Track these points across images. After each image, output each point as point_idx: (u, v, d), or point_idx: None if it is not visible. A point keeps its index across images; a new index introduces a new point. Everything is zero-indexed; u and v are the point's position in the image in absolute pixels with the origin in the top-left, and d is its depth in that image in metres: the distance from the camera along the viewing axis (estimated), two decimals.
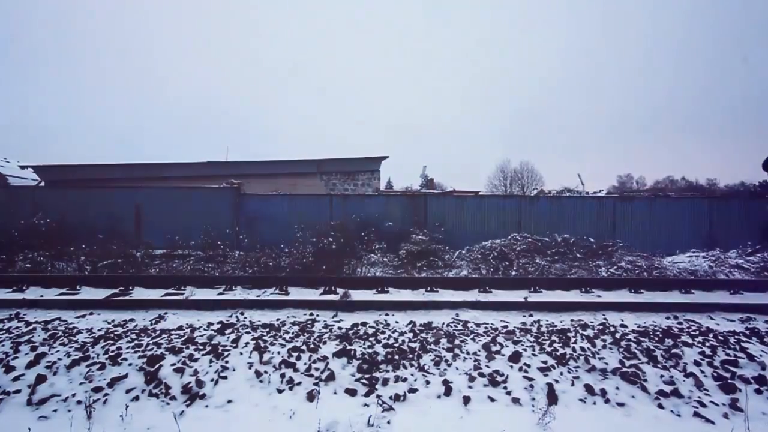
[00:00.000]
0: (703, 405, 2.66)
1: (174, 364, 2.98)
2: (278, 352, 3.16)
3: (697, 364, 3.07)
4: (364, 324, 3.79)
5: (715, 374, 2.95)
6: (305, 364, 3.04)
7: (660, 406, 2.67)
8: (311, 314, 4.20)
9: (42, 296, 5.21)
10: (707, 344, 3.36)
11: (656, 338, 3.47)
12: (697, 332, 3.65)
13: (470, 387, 2.80)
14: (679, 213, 11.30)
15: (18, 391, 2.75)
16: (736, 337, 3.54)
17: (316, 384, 2.83)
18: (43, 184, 14.58)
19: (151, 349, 3.19)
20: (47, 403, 2.66)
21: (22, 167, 16.65)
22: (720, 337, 3.50)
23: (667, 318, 4.19)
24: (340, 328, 3.67)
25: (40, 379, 2.83)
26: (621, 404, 2.67)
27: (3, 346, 3.28)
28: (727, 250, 9.53)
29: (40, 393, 2.73)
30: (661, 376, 2.93)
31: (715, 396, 2.75)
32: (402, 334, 3.55)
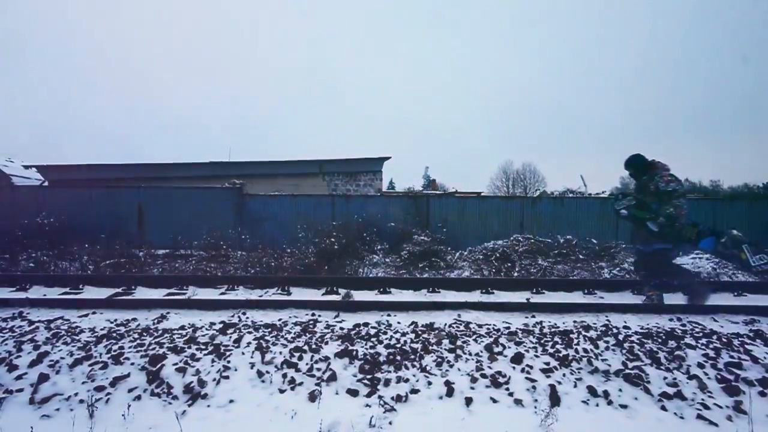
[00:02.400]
0: (707, 407, 2.64)
1: (176, 364, 2.98)
2: (280, 352, 3.16)
3: (700, 366, 3.05)
4: (366, 324, 3.79)
5: (718, 376, 2.93)
6: (307, 364, 3.03)
7: (663, 408, 2.65)
8: (313, 314, 4.20)
9: (45, 295, 5.23)
10: (711, 346, 3.34)
11: (659, 340, 3.45)
12: (701, 334, 3.63)
13: (472, 388, 2.79)
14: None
15: (21, 390, 2.75)
16: (740, 339, 3.52)
17: (317, 384, 2.83)
18: (46, 183, 14.65)
19: (154, 349, 3.19)
20: (50, 402, 2.66)
21: (26, 167, 16.74)
22: (724, 339, 3.48)
23: (671, 320, 4.17)
24: (342, 329, 3.67)
25: (43, 378, 2.84)
26: (624, 406, 2.66)
27: (6, 344, 3.30)
28: None
29: (43, 392, 2.73)
30: (665, 378, 2.91)
31: (719, 398, 2.73)
32: (404, 334, 3.54)
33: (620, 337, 3.52)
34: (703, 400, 2.70)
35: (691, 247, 4.94)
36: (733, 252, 4.62)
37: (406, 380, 2.87)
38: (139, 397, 2.71)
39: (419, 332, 3.59)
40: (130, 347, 3.24)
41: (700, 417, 2.56)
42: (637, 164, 4.95)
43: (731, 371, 2.99)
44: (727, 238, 4.61)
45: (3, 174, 19.46)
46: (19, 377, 2.87)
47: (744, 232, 10.78)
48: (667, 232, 4.68)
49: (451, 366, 3.03)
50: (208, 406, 2.64)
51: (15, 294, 5.36)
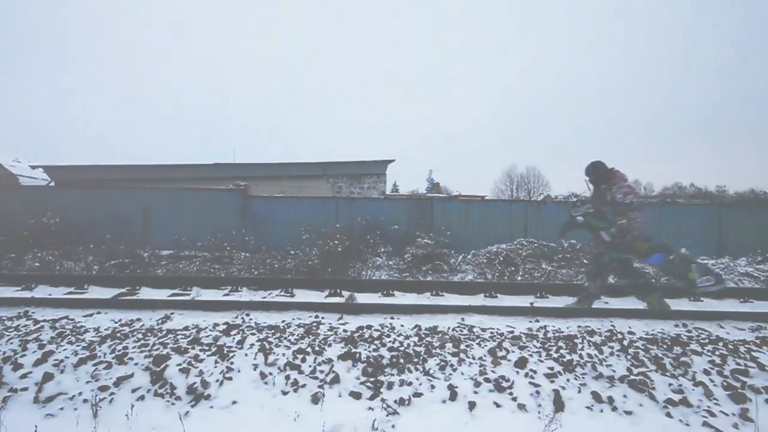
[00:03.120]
0: (713, 414, 2.61)
1: (180, 365, 2.99)
2: (283, 354, 3.16)
3: (706, 372, 3.03)
4: (369, 327, 3.79)
5: (724, 383, 2.90)
6: (310, 366, 3.03)
7: (668, 415, 2.63)
8: (316, 316, 4.20)
9: (50, 295, 5.26)
10: (717, 353, 3.31)
11: (665, 346, 3.42)
12: (707, 340, 3.60)
13: (476, 392, 2.78)
14: (688, 220, 11.18)
15: (25, 389, 2.77)
16: (747, 346, 3.49)
17: (320, 386, 2.82)
18: (53, 184, 14.76)
19: (157, 349, 3.20)
20: (54, 401, 2.67)
21: (33, 167, 16.87)
22: (730, 346, 3.45)
23: (676, 326, 4.13)
24: (345, 331, 3.66)
25: (47, 377, 2.85)
26: (629, 412, 2.63)
27: (11, 343, 3.32)
28: (737, 258, 9.42)
29: (47, 391, 2.75)
30: (670, 384, 2.89)
31: (725, 406, 2.70)
32: (407, 337, 3.53)
33: (625, 342, 3.49)
34: (708, 407, 2.68)
35: (642, 261, 4.97)
36: (681, 270, 4.61)
37: (409, 383, 2.86)
38: (142, 398, 2.71)
39: (422, 335, 3.59)
40: (134, 347, 3.25)
41: (705, 424, 2.53)
42: (596, 172, 4.93)
43: (737, 378, 2.96)
44: (676, 256, 4.62)
45: (10, 174, 19.63)
46: (23, 376, 2.88)
47: (749, 237, 10.70)
48: (618, 243, 4.72)
49: (455, 370, 3.02)
50: (211, 407, 2.64)
51: (21, 293, 5.40)
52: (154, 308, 4.38)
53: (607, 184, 4.80)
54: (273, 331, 3.62)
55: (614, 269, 5.06)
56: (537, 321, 4.20)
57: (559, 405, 2.67)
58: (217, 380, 2.85)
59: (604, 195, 4.80)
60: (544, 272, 8.02)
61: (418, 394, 2.75)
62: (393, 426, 2.47)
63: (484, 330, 3.77)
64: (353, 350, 3.23)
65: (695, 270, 4.55)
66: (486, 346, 3.37)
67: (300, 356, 3.14)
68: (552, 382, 2.90)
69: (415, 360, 3.13)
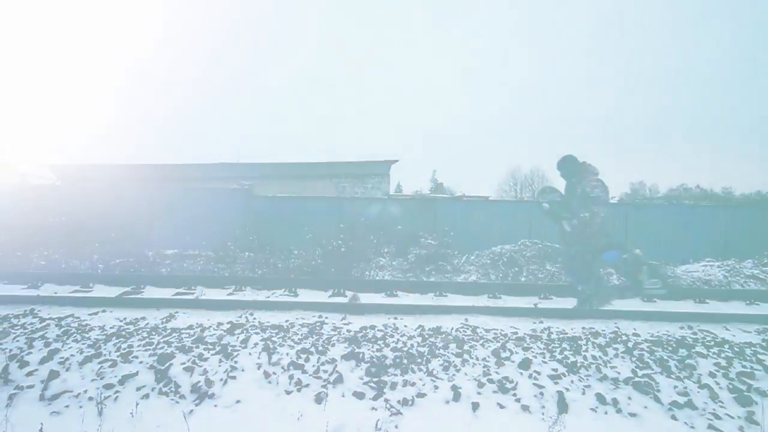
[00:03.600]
0: (718, 417, 2.60)
1: (184, 363, 3.00)
2: (287, 354, 3.17)
3: (712, 375, 3.01)
4: (372, 327, 3.78)
5: (730, 386, 2.88)
6: (314, 366, 3.04)
7: (673, 417, 2.61)
8: (320, 316, 4.20)
9: (56, 293, 5.30)
10: (722, 355, 3.29)
11: (670, 348, 3.40)
12: (712, 343, 3.58)
13: (479, 393, 2.77)
14: (694, 221, 11.11)
15: (31, 387, 2.79)
16: (753, 348, 3.46)
17: (324, 386, 2.83)
18: (59, 183, 14.86)
19: (162, 348, 3.22)
20: (59, 399, 2.70)
21: (39, 166, 16.99)
22: (736, 348, 3.42)
23: (681, 328, 4.10)
24: (348, 331, 3.66)
25: (53, 375, 2.87)
26: (633, 414, 2.62)
27: (17, 341, 3.34)
28: (743, 260, 9.34)
29: (53, 389, 2.77)
30: (675, 386, 2.87)
31: (731, 408, 2.69)
32: (411, 338, 3.53)
33: (630, 344, 3.48)
34: (714, 409, 2.66)
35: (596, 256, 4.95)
36: (631, 270, 4.64)
37: (413, 384, 2.86)
38: (147, 396, 2.73)
39: (426, 336, 3.58)
40: (138, 346, 3.27)
41: (711, 427, 2.52)
42: (568, 166, 4.91)
43: (743, 381, 2.94)
44: (629, 256, 4.64)
45: (16, 173, 19.76)
46: (29, 374, 2.91)
47: (755, 239, 10.61)
48: (577, 236, 4.72)
49: (458, 370, 3.02)
50: (215, 405, 2.65)
51: (27, 291, 5.44)
52: (158, 307, 4.40)
53: (578, 178, 4.80)
54: (277, 330, 3.63)
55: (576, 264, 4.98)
56: (541, 322, 4.18)
57: (563, 406, 2.66)
58: (221, 379, 2.86)
59: (576, 188, 4.80)
60: (548, 273, 7.99)
61: (421, 395, 2.75)
62: (396, 426, 2.47)
63: (487, 331, 3.76)
64: (357, 350, 3.24)
65: (645, 271, 4.59)
66: (490, 346, 3.36)
67: (304, 356, 3.15)
68: (556, 383, 2.89)
69: (419, 360, 3.13)
